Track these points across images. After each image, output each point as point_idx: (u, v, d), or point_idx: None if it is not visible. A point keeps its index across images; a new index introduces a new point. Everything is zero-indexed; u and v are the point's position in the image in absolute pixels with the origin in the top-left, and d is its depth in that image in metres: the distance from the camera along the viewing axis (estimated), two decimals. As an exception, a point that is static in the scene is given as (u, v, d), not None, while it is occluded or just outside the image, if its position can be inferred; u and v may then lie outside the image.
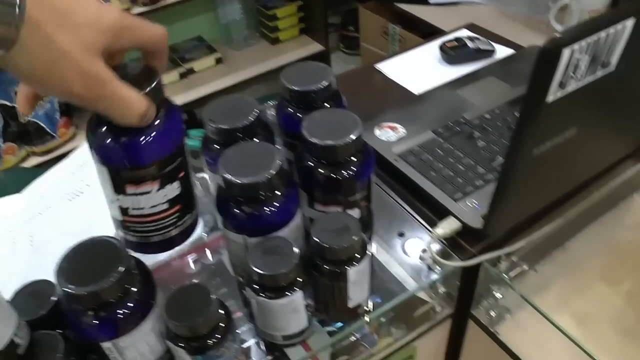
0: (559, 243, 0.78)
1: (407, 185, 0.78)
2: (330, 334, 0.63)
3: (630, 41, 0.53)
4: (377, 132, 0.85)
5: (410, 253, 0.70)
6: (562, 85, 0.51)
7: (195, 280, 0.68)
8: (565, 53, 0.48)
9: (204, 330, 0.50)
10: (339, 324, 0.63)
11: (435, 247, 0.69)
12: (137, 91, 0.44)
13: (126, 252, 0.49)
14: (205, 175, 0.68)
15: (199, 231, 0.63)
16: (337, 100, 0.64)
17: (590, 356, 0.60)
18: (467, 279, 0.70)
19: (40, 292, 0.52)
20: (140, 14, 2.11)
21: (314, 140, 0.54)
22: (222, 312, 0.52)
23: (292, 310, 0.55)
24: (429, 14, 2.00)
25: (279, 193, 0.53)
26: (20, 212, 0.80)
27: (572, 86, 0.52)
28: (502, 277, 0.69)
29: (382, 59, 1.11)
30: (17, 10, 0.36)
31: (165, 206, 0.51)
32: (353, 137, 0.54)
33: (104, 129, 0.46)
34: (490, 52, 1.08)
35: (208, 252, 0.73)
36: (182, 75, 2.39)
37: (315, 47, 2.60)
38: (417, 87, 1.01)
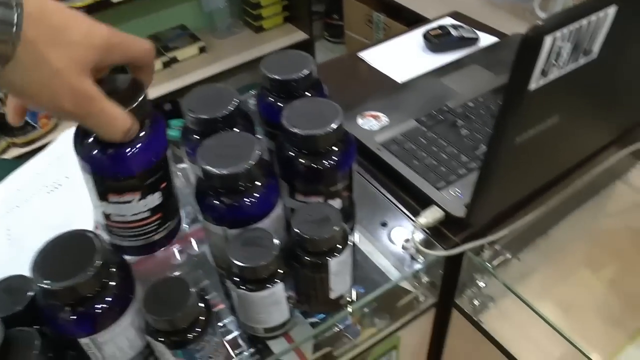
0: (542, 231, 0.78)
1: (390, 174, 0.77)
2: (313, 325, 0.62)
3: (612, 29, 0.53)
4: (360, 121, 0.84)
5: (393, 243, 0.70)
6: (544, 73, 0.50)
7: (176, 273, 0.67)
8: (547, 41, 0.47)
9: (184, 324, 0.49)
10: (322, 316, 0.63)
11: (419, 236, 0.69)
12: (123, 108, 0.45)
13: (104, 245, 0.48)
14: (186, 166, 0.67)
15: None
16: (318, 89, 0.63)
17: (571, 343, 0.61)
18: (451, 268, 0.70)
19: (16, 287, 0.51)
20: (123, 2, 2.08)
21: (294, 129, 0.54)
22: (202, 305, 0.51)
23: (273, 302, 0.55)
24: (414, 2, 1.99)
25: (259, 184, 0.52)
26: (-3, 205, 0.78)
27: (554, 74, 0.52)
28: (485, 265, 0.69)
29: (366, 47, 1.10)
30: (14, 28, 0.37)
31: (146, 214, 0.52)
32: (334, 126, 0.53)
33: (88, 139, 0.47)
34: (474, 40, 1.07)
35: (194, 242, 0.72)
36: (166, 65, 2.37)
37: (300, 36, 2.58)
38: (400, 75, 1.01)
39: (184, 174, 0.71)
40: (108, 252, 0.48)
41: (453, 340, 0.81)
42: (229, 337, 0.62)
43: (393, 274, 0.67)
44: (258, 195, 0.52)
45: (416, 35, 1.11)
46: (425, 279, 0.70)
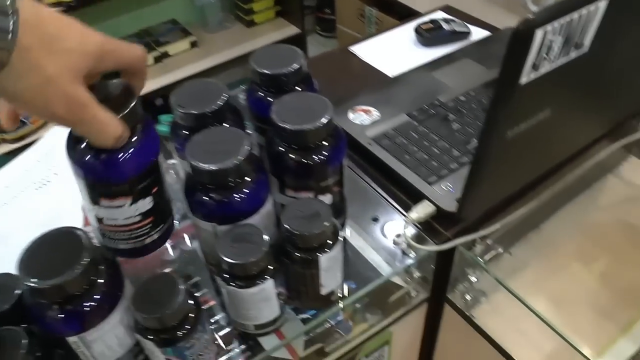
0: (533, 225, 0.78)
1: (381, 169, 0.77)
2: (304, 321, 0.62)
3: (603, 22, 0.53)
4: (351, 115, 0.84)
5: (384, 238, 0.70)
6: (535, 66, 0.50)
7: (166, 270, 0.67)
8: (538, 34, 0.47)
9: (173, 322, 0.49)
10: (313, 312, 0.62)
11: (410, 231, 0.69)
12: (114, 114, 0.45)
13: (92, 243, 0.47)
14: (176, 162, 0.66)
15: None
16: (308, 84, 0.62)
17: (562, 337, 0.61)
18: (442, 263, 0.70)
19: (3, 285, 0.50)
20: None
21: (283, 124, 0.53)
22: (192, 302, 0.51)
23: (264, 298, 0.54)
24: (406, -5, 1.99)
25: (249, 179, 0.52)
26: (-15, 202, 0.77)
27: (545, 68, 0.51)
28: (477, 260, 0.69)
29: (358, 41, 1.10)
30: (9, 35, 0.37)
31: (138, 218, 0.51)
32: (324, 121, 0.53)
33: (80, 145, 0.47)
34: (465, 34, 1.07)
35: (186, 237, 0.71)
36: (157, 59, 2.35)
37: (291, 30, 2.56)
38: (391, 69, 1.00)
39: (174, 169, 0.70)
40: (96, 250, 0.48)
41: (445, 335, 0.81)
42: (221, 333, 0.61)
43: (385, 269, 0.67)
44: (248, 191, 0.52)
45: (408, 29, 1.10)
46: (417, 274, 0.70)
